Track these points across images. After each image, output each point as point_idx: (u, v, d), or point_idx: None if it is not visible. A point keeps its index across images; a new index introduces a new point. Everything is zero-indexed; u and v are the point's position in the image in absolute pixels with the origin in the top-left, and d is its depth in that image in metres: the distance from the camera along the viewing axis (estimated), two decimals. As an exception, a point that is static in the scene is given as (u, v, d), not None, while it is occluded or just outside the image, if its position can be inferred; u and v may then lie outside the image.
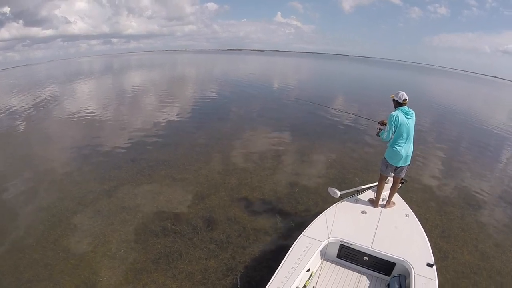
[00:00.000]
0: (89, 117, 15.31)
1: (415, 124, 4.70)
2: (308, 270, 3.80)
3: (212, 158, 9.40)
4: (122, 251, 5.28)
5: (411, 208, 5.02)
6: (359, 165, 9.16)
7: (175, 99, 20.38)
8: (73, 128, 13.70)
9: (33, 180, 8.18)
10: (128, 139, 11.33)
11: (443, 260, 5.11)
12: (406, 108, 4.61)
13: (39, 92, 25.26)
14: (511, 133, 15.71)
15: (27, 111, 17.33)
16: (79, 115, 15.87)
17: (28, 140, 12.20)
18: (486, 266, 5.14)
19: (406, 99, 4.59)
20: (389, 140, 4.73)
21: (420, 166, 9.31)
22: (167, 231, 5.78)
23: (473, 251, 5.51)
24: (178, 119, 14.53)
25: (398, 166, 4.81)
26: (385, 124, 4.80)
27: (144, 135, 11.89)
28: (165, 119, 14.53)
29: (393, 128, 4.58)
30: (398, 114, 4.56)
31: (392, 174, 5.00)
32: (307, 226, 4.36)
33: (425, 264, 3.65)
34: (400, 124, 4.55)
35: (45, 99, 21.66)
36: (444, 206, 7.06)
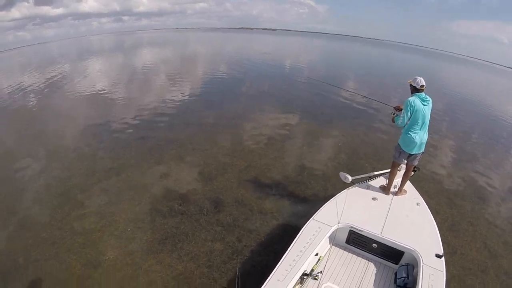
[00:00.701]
0: (100, 95, 15.32)
1: (431, 112, 4.58)
2: (317, 254, 3.79)
3: (220, 138, 9.31)
4: (129, 230, 5.30)
5: (422, 198, 4.91)
6: (370, 151, 8.93)
7: (185, 78, 20.19)
8: (84, 106, 13.76)
9: (43, 158, 8.26)
10: (138, 117, 11.30)
11: (451, 255, 4.97)
12: (423, 94, 4.50)
13: (50, 71, 25.32)
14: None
15: (38, 89, 17.44)
16: (89, 92, 15.90)
17: (39, 117, 12.33)
18: (493, 264, 4.99)
19: (423, 85, 4.48)
20: (404, 126, 4.63)
21: (433, 155, 9.04)
22: (174, 211, 5.77)
23: (481, 248, 5.35)
24: (188, 98, 14.41)
25: (412, 153, 4.71)
26: (401, 110, 4.69)
27: (154, 113, 11.84)
28: (175, 97, 14.41)
29: (409, 114, 4.47)
30: (415, 100, 4.44)
31: (405, 161, 4.90)
32: (316, 211, 4.31)
33: (434, 255, 3.60)
34: (416, 110, 4.45)
35: (56, 77, 21.73)
36: (455, 198, 6.85)
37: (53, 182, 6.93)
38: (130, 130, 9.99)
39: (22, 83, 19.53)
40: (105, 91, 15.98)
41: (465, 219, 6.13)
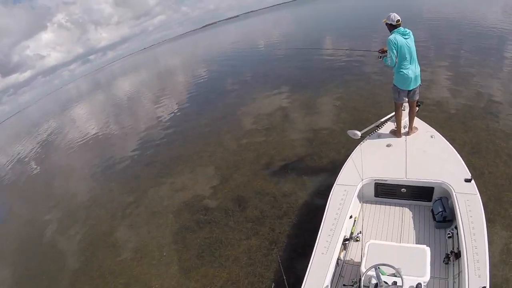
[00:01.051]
0: (94, 138, 15.29)
1: (415, 43, 4.50)
2: (351, 216, 3.78)
3: (222, 138, 9.26)
4: (165, 255, 5.32)
5: (434, 129, 4.86)
6: (369, 102, 8.76)
7: (168, 93, 19.98)
8: (82, 154, 13.74)
9: (62, 216, 8.31)
10: (137, 146, 11.28)
11: (480, 177, 4.77)
12: (401, 29, 4.41)
13: (39, 134, 25.22)
14: (508, 29, 14.86)
15: (35, 155, 17.40)
16: (84, 140, 15.86)
17: (45, 180, 12.40)
18: None
19: (399, 20, 4.39)
20: (394, 65, 4.54)
21: (431, 85, 8.86)
22: (202, 223, 5.77)
23: (507, 160, 5.22)
24: (178, 111, 14.31)
25: (410, 89, 4.65)
26: (386, 51, 4.60)
27: (151, 137, 11.80)
28: (165, 115, 14.33)
29: (395, 52, 4.38)
30: (395, 37, 4.36)
31: (406, 99, 4.83)
32: (336, 176, 4.26)
33: (463, 181, 3.55)
34: (401, 47, 4.36)
35: (47, 137, 21.58)
36: (466, 121, 6.71)
37: (80, 236, 6.96)
38: (134, 162, 9.99)
39: (17, 155, 19.52)
40: (98, 133, 15.94)
41: (482, 138, 5.99)
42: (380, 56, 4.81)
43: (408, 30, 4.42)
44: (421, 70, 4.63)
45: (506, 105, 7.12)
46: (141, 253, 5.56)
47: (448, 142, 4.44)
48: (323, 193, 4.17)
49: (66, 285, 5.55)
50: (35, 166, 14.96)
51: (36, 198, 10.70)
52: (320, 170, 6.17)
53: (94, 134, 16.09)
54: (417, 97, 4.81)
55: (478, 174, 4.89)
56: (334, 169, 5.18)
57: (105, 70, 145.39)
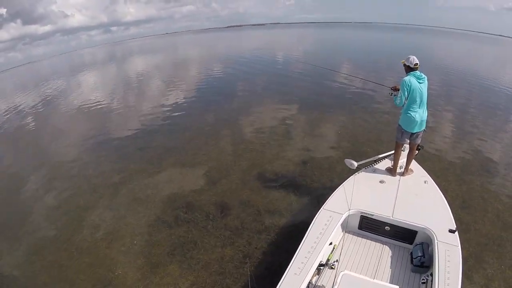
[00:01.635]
0: (96, 109, 15.18)
1: (427, 89, 4.59)
2: (331, 243, 3.77)
3: (220, 140, 9.17)
4: (136, 244, 5.19)
5: (429, 175, 4.90)
6: (372, 136, 8.73)
7: (179, 82, 19.92)
8: (80, 121, 13.67)
9: (43, 179, 8.14)
10: (135, 127, 11.16)
11: (465, 232, 4.86)
12: (417, 72, 4.49)
13: (44, 89, 25.18)
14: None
15: (35, 110, 17.27)
16: (85, 107, 15.77)
17: (37, 135, 12.37)
18: (509, 236, 4.92)
19: (417, 64, 4.47)
20: (403, 106, 4.63)
21: (435, 132, 8.93)
22: (180, 220, 5.66)
23: (495, 221, 5.27)
24: (184, 103, 14.21)
25: (414, 132, 4.72)
26: (398, 90, 4.68)
27: (151, 121, 11.71)
28: (171, 103, 14.24)
29: (406, 94, 4.48)
30: (410, 79, 4.45)
31: (408, 140, 4.89)
32: (324, 201, 4.26)
33: (447, 231, 3.58)
34: (413, 90, 4.45)
35: (51, 95, 21.59)
36: (462, 174, 6.75)
37: (56, 203, 6.83)
38: (129, 142, 9.87)
39: (18, 105, 19.44)
40: (101, 104, 15.84)
41: (475, 194, 6.03)
42: (392, 93, 4.91)
43: (423, 75, 4.50)
44: (428, 116, 4.67)
45: (502, 166, 7.19)
46: (113, 237, 5.44)
47: (440, 190, 4.46)
48: (307, 217, 4.11)
49: (30, 250, 5.42)
50: (31, 121, 14.86)
51: (24, 153, 10.60)
52: (308, 194, 6.09)
53: (96, 104, 16.00)
54: (419, 141, 4.87)
55: (464, 229, 4.92)
56: (322, 196, 5.13)
57: (124, 44, 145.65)
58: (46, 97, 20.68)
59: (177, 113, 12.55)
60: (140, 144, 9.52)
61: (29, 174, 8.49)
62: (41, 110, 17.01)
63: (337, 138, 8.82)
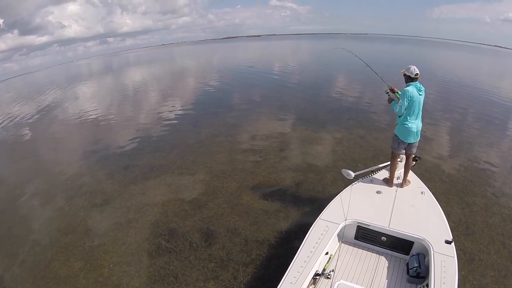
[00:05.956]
0: (84, 122, 14.89)
1: (424, 100, 4.70)
2: (327, 253, 3.80)
3: (209, 159, 8.73)
4: (114, 276, 4.79)
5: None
6: (369, 154, 8.33)
7: (171, 96, 19.56)
8: (67, 136, 13.30)
9: (18, 198, 7.80)
10: (123, 144, 10.78)
11: (469, 263, 4.65)
12: (419, 84, 4.58)
13: (37, 99, 25.06)
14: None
15: (23, 122, 16.97)
16: (74, 120, 15.47)
17: (18, 151, 11.80)
18: None
19: (418, 74, 4.55)
20: (400, 116, 4.73)
21: (436, 148, 8.64)
22: (162, 249, 5.24)
23: (500, 249, 4.98)
24: (174, 118, 13.81)
25: (411, 142, 4.82)
26: (394, 92, 4.89)
27: (139, 137, 11.31)
28: (161, 118, 13.88)
29: (406, 104, 4.54)
30: (412, 90, 4.51)
31: (404, 151, 4.98)
32: (321, 212, 4.28)
33: (444, 241, 3.62)
34: (413, 101, 4.54)
35: (44, 105, 21.48)
36: (465, 196, 6.42)
37: (37, 225, 6.46)
38: (115, 159, 9.49)
39: (13, 116, 19.13)
40: (90, 118, 15.43)
41: (478, 219, 5.72)
42: (387, 92, 5.00)
43: (423, 87, 4.58)
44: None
45: (507, 185, 6.91)
46: (90, 266, 5.06)
47: (436, 201, 4.51)
48: (296, 248, 3.75)
49: (4, 277, 5.01)
50: (17, 130, 14.85)
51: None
52: (299, 221, 5.64)
53: (85, 118, 15.66)
54: (414, 151, 4.94)
55: (468, 259, 4.70)
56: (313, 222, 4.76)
57: (120, 55, 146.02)
58: (38, 108, 20.50)
59: (166, 129, 12.16)
60: (125, 162, 9.11)
61: (11, 191, 8.20)
62: (29, 119, 16.89)
63: (332, 156, 8.40)
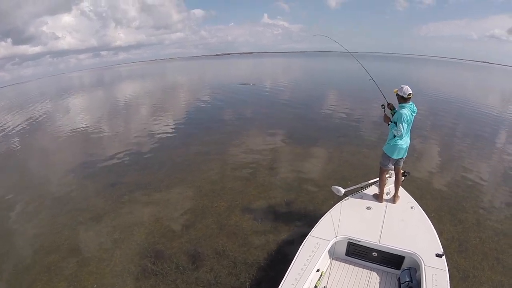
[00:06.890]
0: (72, 136, 14.78)
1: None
2: (318, 270, 3.77)
3: (198, 177, 8.58)
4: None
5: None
6: (360, 173, 8.26)
7: (162, 112, 19.43)
8: (54, 150, 13.07)
9: (13, 215, 7.50)
10: (111, 159, 10.60)
11: (463, 280, 4.61)
12: (413, 105, 4.62)
13: (28, 110, 24.73)
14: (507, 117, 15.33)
15: (15, 133, 16.75)
16: (61, 134, 15.31)
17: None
18: (510, 281, 4.63)
19: (411, 93, 4.55)
20: (394, 137, 4.77)
21: (425, 166, 8.72)
22: (147, 272, 5.04)
23: (495, 265, 4.96)
24: (164, 134, 13.70)
25: (400, 157, 4.90)
26: (392, 109, 4.89)
27: (128, 153, 11.15)
28: (151, 133, 13.75)
29: (405, 126, 4.57)
30: (407, 113, 4.56)
31: (393, 166, 5.05)
32: (311, 229, 4.26)
33: (434, 255, 3.63)
34: (408, 124, 4.62)
35: (33, 116, 21.28)
36: (457, 213, 6.42)
37: (21, 242, 6.24)
38: (102, 176, 9.28)
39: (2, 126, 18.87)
40: (78, 132, 15.30)
41: (471, 235, 5.73)
42: (384, 107, 4.97)
43: (416, 109, 4.65)
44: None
45: (499, 202, 6.93)
46: (73, 286, 4.86)
47: (426, 216, 4.54)
48: (286, 268, 3.64)
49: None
50: (2, 142, 14.62)
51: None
52: (289, 244, 5.46)
53: (73, 132, 15.58)
54: (401, 164, 5.02)
55: (462, 277, 4.66)
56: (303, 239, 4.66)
57: (113, 69, 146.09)
58: (27, 119, 20.35)
59: (155, 145, 12.02)
60: (112, 178, 8.91)
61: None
62: (16, 130, 16.71)
63: (322, 175, 8.35)
